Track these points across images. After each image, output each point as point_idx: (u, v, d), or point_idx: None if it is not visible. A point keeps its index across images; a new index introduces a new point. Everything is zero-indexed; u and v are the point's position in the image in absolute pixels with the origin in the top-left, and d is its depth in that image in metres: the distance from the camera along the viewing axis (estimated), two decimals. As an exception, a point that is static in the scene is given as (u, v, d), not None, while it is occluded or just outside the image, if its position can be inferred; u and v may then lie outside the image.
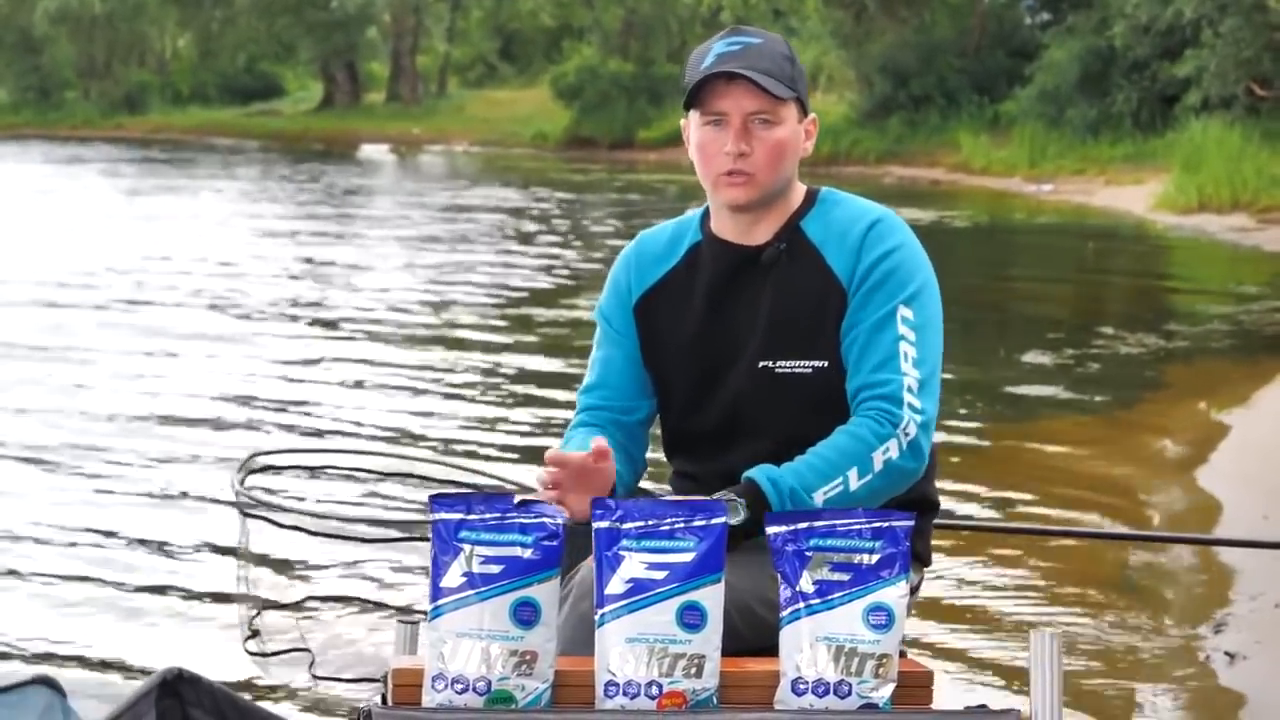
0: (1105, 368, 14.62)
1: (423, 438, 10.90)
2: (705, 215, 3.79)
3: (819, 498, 3.45)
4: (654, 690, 3.04)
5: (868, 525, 3.13)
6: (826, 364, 3.60)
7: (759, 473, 3.49)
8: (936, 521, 3.90)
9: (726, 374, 3.64)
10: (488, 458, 10.09)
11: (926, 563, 3.77)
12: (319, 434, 10.94)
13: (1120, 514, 9.26)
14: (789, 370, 3.60)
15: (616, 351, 3.78)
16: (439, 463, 8.77)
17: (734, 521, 3.37)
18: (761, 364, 3.61)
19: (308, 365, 13.99)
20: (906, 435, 3.51)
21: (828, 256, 3.63)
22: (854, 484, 3.47)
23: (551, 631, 3.09)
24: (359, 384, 13.08)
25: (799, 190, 3.73)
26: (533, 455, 10.41)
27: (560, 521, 3.10)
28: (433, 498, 3.12)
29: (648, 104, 56.48)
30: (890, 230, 3.64)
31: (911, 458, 3.52)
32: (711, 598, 3.08)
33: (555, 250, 24.33)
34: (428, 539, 3.13)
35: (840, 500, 3.46)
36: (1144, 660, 6.77)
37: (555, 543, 3.09)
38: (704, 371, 3.66)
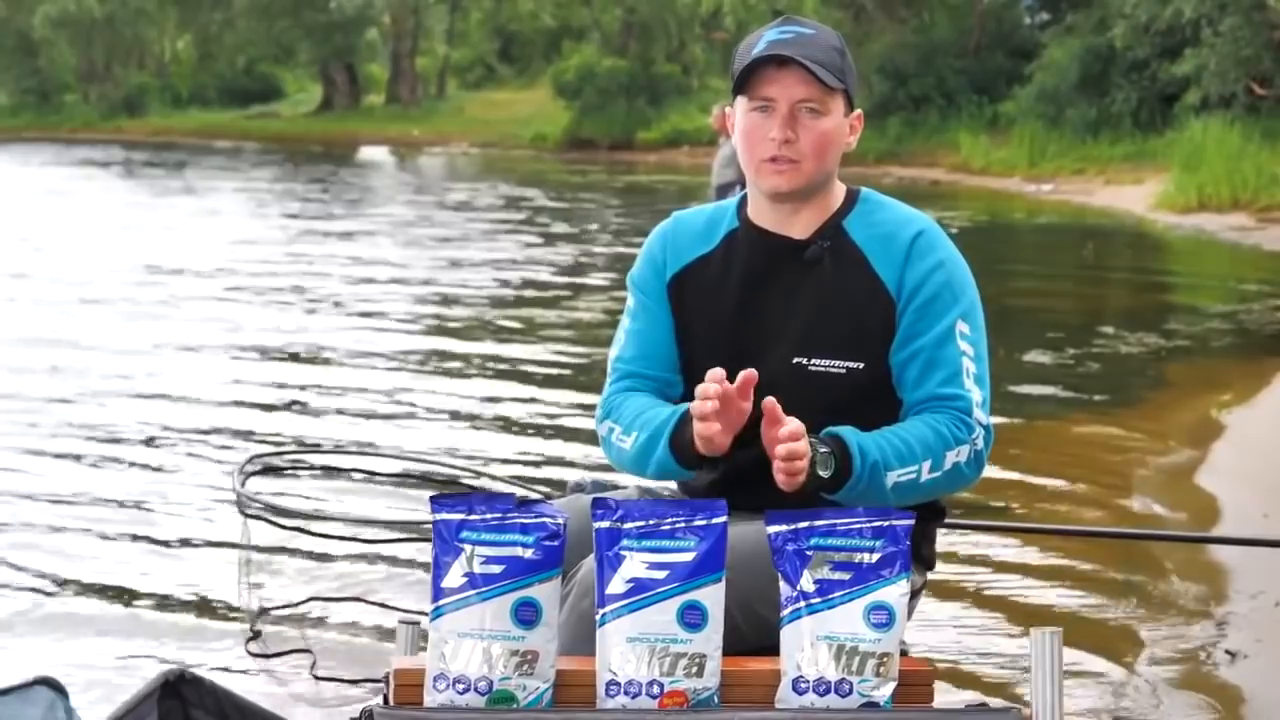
0: (1105, 367, 14.62)
1: (423, 438, 10.90)
2: (742, 203, 3.78)
3: (892, 478, 3.47)
4: (655, 690, 3.04)
5: (868, 524, 3.13)
6: (861, 366, 3.60)
7: (849, 434, 3.48)
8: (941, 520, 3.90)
9: (755, 364, 3.61)
10: (488, 458, 10.09)
11: (930, 566, 3.77)
12: (320, 434, 10.93)
13: (1120, 513, 9.26)
14: (822, 369, 3.60)
15: (652, 323, 3.76)
16: (440, 463, 8.79)
17: (824, 474, 3.41)
18: (795, 359, 3.60)
19: (310, 366, 13.99)
20: (975, 448, 3.55)
21: (874, 262, 3.63)
22: (924, 476, 3.50)
23: (553, 631, 3.09)
24: (360, 385, 13.08)
25: (840, 187, 3.72)
26: (533, 455, 10.41)
27: (561, 521, 3.11)
28: (434, 498, 3.12)
29: (647, 105, 56.50)
30: (936, 241, 3.65)
31: (974, 468, 3.56)
32: (712, 597, 3.08)
33: (554, 252, 24.33)
34: (428, 539, 3.13)
35: (908, 487, 3.48)
36: (1144, 659, 6.77)
37: (556, 543, 3.09)
38: (733, 359, 3.62)
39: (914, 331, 3.59)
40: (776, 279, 3.67)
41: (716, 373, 3.41)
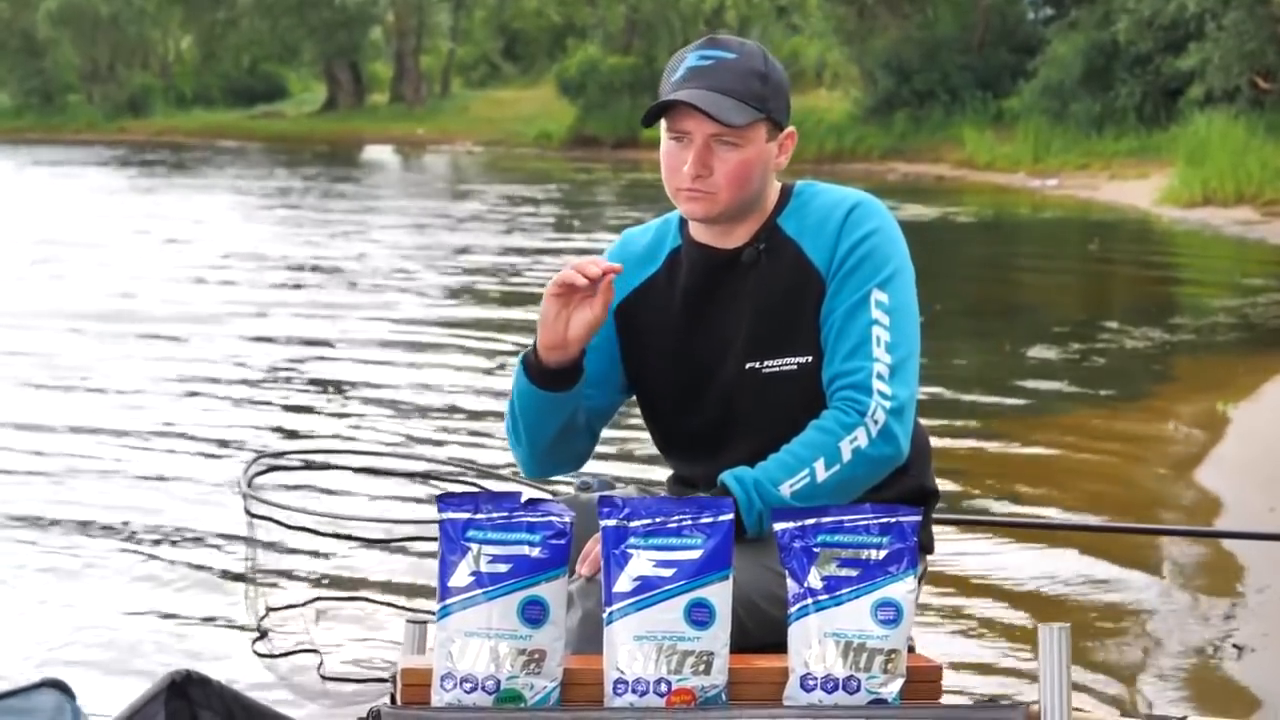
0: (1110, 361, 14.62)
1: (430, 437, 10.90)
2: (684, 218, 3.77)
3: (785, 490, 3.44)
4: (663, 688, 3.04)
5: (875, 521, 3.13)
6: (810, 359, 3.58)
7: (726, 474, 3.49)
8: (947, 515, 3.90)
9: (714, 377, 3.62)
10: (495, 456, 10.09)
11: (929, 550, 3.78)
12: (326, 433, 10.94)
13: (1127, 507, 9.26)
14: (776, 369, 3.59)
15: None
16: (445, 462, 8.78)
17: None
18: (749, 365, 3.59)
19: (315, 365, 14.00)
20: (875, 422, 3.48)
21: (806, 248, 3.60)
22: (821, 475, 3.46)
23: (560, 630, 3.09)
24: (367, 383, 13.09)
25: (775, 189, 3.69)
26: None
27: (567, 520, 3.10)
28: (440, 497, 3.11)
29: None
30: (868, 214, 3.61)
31: (884, 444, 3.49)
32: (719, 595, 3.08)
33: (557, 249, 24.33)
34: (435, 538, 3.13)
35: (808, 491, 3.45)
36: (1152, 653, 6.77)
37: (563, 541, 3.09)
38: (692, 376, 3.64)
39: (832, 306, 3.57)
40: (719, 292, 3.65)
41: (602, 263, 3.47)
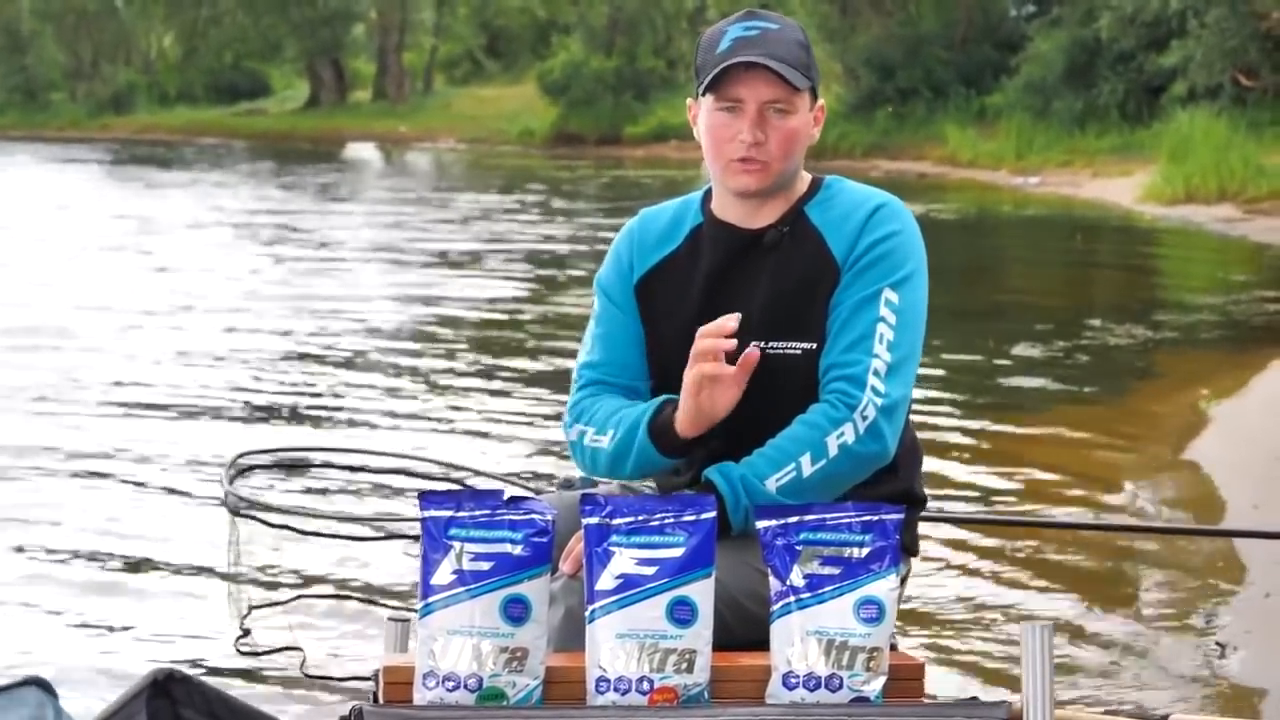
0: (1094, 358, 14.63)
1: (412, 436, 10.89)
2: (706, 196, 3.77)
3: (771, 485, 3.45)
4: (645, 686, 3.04)
5: (857, 519, 3.13)
6: (815, 346, 3.59)
7: (712, 469, 3.50)
8: (928, 514, 3.89)
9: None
10: (477, 455, 10.08)
11: (914, 553, 3.78)
12: (309, 433, 10.93)
13: (1110, 505, 9.27)
14: (780, 352, 3.59)
15: (619, 327, 3.74)
16: (428, 460, 8.77)
17: None
18: (753, 345, 3.60)
19: (298, 363, 13.98)
20: (865, 418, 3.49)
21: (828, 239, 3.63)
22: (807, 470, 3.47)
23: (542, 628, 3.08)
24: (348, 383, 13.07)
25: (804, 177, 3.72)
26: (521, 451, 10.41)
27: (550, 518, 3.10)
28: (422, 495, 3.11)
29: (634, 100, 56.53)
30: (893, 215, 3.64)
31: (871, 441, 3.50)
32: (702, 593, 3.08)
33: (541, 246, 24.32)
34: (417, 537, 3.12)
35: (794, 486, 3.45)
36: (1135, 651, 6.78)
37: (545, 539, 3.08)
38: None
39: (841, 298, 3.59)
40: (739, 271, 3.67)
41: (726, 325, 3.42)
